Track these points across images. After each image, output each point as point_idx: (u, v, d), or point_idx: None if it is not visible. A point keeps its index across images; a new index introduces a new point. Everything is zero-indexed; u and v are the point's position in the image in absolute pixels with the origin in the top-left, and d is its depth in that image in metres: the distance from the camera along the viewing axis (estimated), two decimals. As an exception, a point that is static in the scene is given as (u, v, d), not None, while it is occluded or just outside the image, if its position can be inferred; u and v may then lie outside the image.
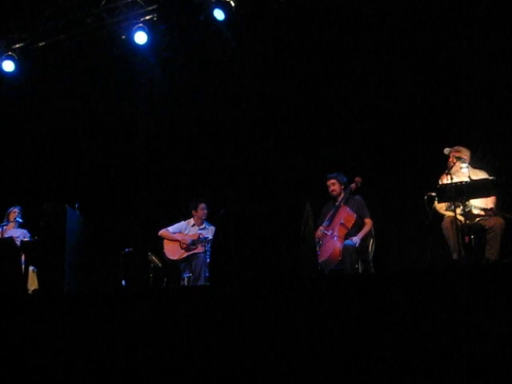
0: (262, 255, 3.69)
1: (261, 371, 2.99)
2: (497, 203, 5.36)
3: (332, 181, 6.35)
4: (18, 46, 8.11)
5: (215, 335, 3.17)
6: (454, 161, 5.42)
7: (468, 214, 5.28)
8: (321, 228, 6.10)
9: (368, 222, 6.14)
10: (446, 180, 5.27)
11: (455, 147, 5.55)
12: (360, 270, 5.88)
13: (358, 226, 6.13)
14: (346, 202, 6.23)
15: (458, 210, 5.14)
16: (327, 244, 5.99)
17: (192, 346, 3.21)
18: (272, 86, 7.59)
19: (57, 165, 8.46)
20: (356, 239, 5.95)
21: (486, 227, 5.24)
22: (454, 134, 6.27)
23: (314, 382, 2.89)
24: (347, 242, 5.93)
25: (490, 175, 5.34)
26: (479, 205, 5.36)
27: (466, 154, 5.56)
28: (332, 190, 6.34)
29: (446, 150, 5.50)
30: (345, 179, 6.35)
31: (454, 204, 5.08)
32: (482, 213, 5.35)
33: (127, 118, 8.38)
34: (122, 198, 8.19)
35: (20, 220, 7.16)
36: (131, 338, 3.41)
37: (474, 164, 5.56)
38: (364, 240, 6.02)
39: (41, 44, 8.12)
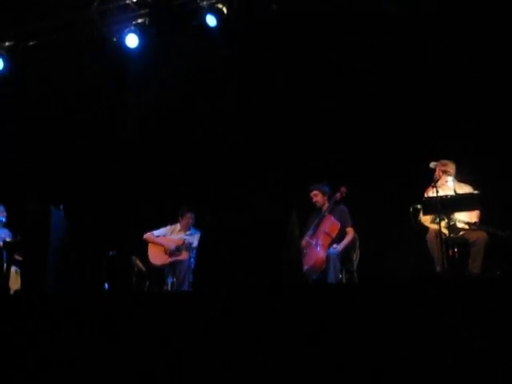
0: (247, 262, 3.69)
1: (243, 378, 2.98)
2: (481, 217, 5.41)
3: (314, 192, 6.37)
4: (6, 44, 8.05)
5: (197, 341, 3.15)
6: (440, 174, 5.47)
7: (452, 228, 5.32)
8: (306, 237, 6.12)
9: (350, 231, 6.14)
10: (431, 193, 5.31)
11: (441, 161, 5.61)
12: (344, 280, 5.89)
13: (342, 236, 6.13)
14: (331, 211, 6.24)
15: (443, 223, 5.19)
16: (311, 253, 5.99)
17: (174, 352, 3.19)
18: (262, 93, 7.61)
19: (42, 164, 8.38)
20: (337, 246, 5.97)
21: (470, 241, 5.29)
22: (439, 147, 6.32)
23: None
24: (331, 251, 5.94)
25: (474, 189, 5.40)
26: (463, 219, 5.40)
27: (451, 167, 5.61)
28: (315, 201, 6.35)
29: (432, 164, 5.55)
30: (327, 189, 6.36)
31: (438, 217, 5.12)
32: (466, 226, 5.39)
33: (115, 120, 8.34)
34: (108, 200, 8.13)
35: (3, 219, 7.04)
36: (112, 341, 3.38)
37: (460, 178, 5.61)
38: (348, 250, 6.02)
39: (30, 43, 8.08)
